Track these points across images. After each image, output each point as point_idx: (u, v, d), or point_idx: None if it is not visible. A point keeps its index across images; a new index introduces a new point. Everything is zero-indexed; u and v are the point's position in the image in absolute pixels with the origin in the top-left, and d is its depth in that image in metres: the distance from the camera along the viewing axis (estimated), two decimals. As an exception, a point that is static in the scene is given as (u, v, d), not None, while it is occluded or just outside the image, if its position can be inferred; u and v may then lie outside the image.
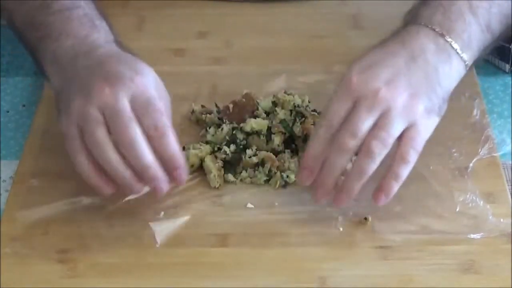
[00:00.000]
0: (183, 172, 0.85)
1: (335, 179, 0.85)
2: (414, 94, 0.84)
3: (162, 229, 0.88)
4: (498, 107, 1.03)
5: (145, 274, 0.84)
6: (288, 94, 0.98)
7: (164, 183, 0.84)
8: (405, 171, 0.84)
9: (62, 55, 0.91)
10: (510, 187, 0.92)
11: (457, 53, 0.87)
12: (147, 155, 0.83)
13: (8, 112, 1.05)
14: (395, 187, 0.84)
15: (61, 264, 0.85)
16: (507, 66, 1.07)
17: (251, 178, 0.93)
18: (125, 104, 0.84)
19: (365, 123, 0.82)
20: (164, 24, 1.15)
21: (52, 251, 0.86)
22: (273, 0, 1.17)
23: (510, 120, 1.01)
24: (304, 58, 1.09)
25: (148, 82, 0.86)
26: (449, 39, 0.87)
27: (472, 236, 0.86)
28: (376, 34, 1.11)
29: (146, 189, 0.87)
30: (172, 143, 0.84)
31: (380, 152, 0.82)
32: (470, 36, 0.88)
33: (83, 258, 0.86)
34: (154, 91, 0.86)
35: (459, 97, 1.00)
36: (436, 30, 0.87)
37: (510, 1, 0.91)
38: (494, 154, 0.95)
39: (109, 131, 0.83)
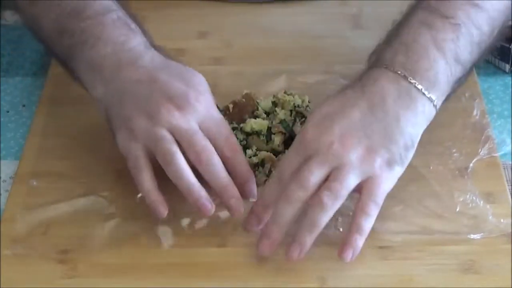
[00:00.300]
0: (254, 186, 0.87)
1: (281, 230, 0.82)
2: (370, 148, 0.82)
3: (165, 230, 0.88)
4: (498, 107, 1.03)
5: (145, 274, 0.84)
6: (288, 94, 0.98)
7: (240, 203, 0.85)
8: (367, 224, 0.82)
9: (102, 63, 0.89)
10: (510, 187, 0.92)
11: (423, 93, 0.84)
12: (225, 176, 0.84)
13: (8, 112, 1.05)
14: (360, 241, 0.82)
15: (61, 264, 0.85)
16: (507, 66, 1.07)
17: None
18: (196, 126, 0.85)
19: (315, 175, 0.81)
20: (164, 24, 1.15)
21: (52, 251, 0.86)
22: (273, 0, 1.17)
23: (510, 120, 1.01)
24: (304, 58, 1.08)
25: (210, 99, 0.87)
26: (412, 81, 0.84)
27: (472, 236, 0.86)
28: (376, 34, 1.11)
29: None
30: (244, 160, 0.87)
31: (332, 203, 0.81)
32: (437, 73, 0.85)
33: (83, 258, 0.86)
34: (217, 110, 0.87)
35: (459, 97, 1.00)
36: (398, 72, 0.84)
37: (479, 29, 0.88)
38: (494, 154, 0.95)
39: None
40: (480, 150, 0.95)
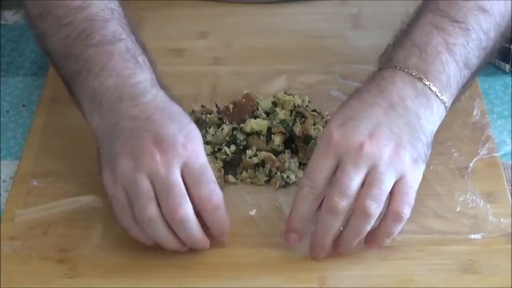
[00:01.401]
0: (227, 238, 0.85)
1: (331, 240, 0.83)
2: (398, 145, 0.81)
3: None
4: (498, 107, 1.03)
5: (145, 274, 0.84)
6: (288, 94, 0.98)
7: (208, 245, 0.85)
8: (398, 228, 0.82)
9: (104, 95, 0.86)
10: (510, 187, 0.92)
11: (437, 95, 0.84)
12: (198, 233, 0.83)
13: (8, 112, 1.05)
14: (387, 241, 0.83)
15: (61, 264, 0.85)
16: (507, 66, 1.07)
17: (251, 178, 0.93)
18: (177, 176, 0.81)
19: (354, 181, 0.80)
20: (164, 24, 1.15)
21: (52, 251, 0.86)
22: (273, 0, 1.17)
23: (510, 120, 1.01)
24: (304, 58, 1.09)
25: (199, 148, 0.83)
26: (427, 83, 0.84)
27: (472, 236, 0.86)
28: (376, 34, 1.12)
29: None
30: (224, 215, 0.83)
31: (375, 212, 0.80)
32: (449, 76, 0.85)
33: (83, 258, 0.86)
34: (204, 157, 0.83)
35: (459, 98, 1.00)
36: (413, 74, 0.84)
37: (487, 35, 0.88)
38: (494, 154, 0.95)
39: (158, 202, 0.81)
40: (480, 150, 0.95)
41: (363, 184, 0.80)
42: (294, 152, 0.94)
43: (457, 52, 0.86)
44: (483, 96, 1.02)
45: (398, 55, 0.86)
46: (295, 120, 0.95)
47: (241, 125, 0.95)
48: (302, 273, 0.84)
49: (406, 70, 0.84)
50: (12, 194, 0.93)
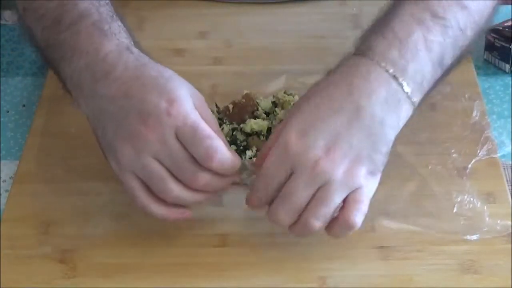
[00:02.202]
0: (237, 176, 0.85)
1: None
2: (355, 160, 0.79)
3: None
4: (498, 107, 1.03)
5: (145, 274, 0.84)
6: (288, 94, 0.98)
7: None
8: (349, 233, 0.81)
9: (79, 79, 0.85)
10: (510, 187, 0.92)
11: (408, 97, 0.81)
12: (222, 183, 0.83)
13: (8, 112, 1.05)
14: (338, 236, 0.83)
15: (61, 264, 0.85)
16: (507, 66, 1.07)
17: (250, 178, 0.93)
18: (173, 144, 0.80)
19: (303, 198, 0.79)
20: (164, 24, 1.15)
21: (52, 251, 0.86)
22: (273, 0, 1.17)
23: (510, 120, 1.01)
24: (304, 58, 1.09)
25: (184, 106, 0.81)
26: (402, 82, 0.81)
27: (468, 237, 0.86)
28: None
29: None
30: (225, 160, 0.81)
31: (319, 228, 0.80)
32: (423, 76, 0.82)
33: (83, 258, 0.86)
34: (193, 113, 0.81)
35: (459, 98, 1.00)
36: (390, 71, 0.81)
37: (464, 33, 0.86)
38: (493, 156, 0.95)
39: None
40: (479, 151, 0.95)
41: (312, 196, 0.79)
42: (294, 152, 0.94)
43: (434, 51, 0.83)
44: (483, 96, 1.02)
45: (378, 44, 0.82)
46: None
47: (241, 125, 0.95)
48: (302, 273, 0.84)
49: (383, 66, 0.81)
50: (12, 194, 0.93)
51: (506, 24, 1.07)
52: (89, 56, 0.84)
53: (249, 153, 0.93)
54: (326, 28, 1.13)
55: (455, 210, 0.89)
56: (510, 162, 0.95)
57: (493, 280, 0.83)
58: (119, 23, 0.88)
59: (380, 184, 0.87)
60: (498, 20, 1.07)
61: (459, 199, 0.90)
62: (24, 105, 1.06)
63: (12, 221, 0.90)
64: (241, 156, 0.92)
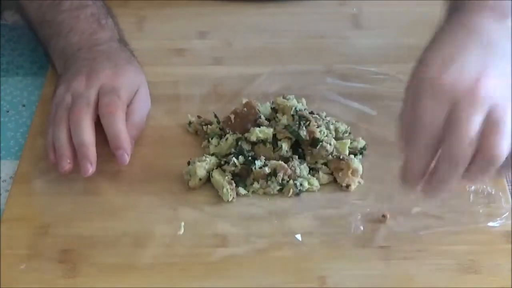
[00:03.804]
0: (125, 153, 0.90)
1: (444, 189, 0.80)
2: (506, 83, 0.78)
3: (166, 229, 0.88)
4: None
5: (145, 274, 0.84)
6: (287, 99, 0.98)
7: (90, 165, 0.89)
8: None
9: (70, 51, 0.99)
10: (510, 187, 0.92)
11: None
12: (86, 134, 0.90)
13: (8, 112, 1.05)
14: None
15: (61, 264, 0.85)
16: (507, 66, 1.07)
17: (263, 189, 0.92)
18: (91, 92, 0.93)
19: (476, 125, 0.76)
20: (164, 24, 1.15)
21: (52, 251, 0.86)
22: (273, 0, 1.17)
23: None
24: (304, 58, 1.09)
25: (122, 80, 0.94)
26: (509, 23, 0.82)
27: (491, 224, 0.87)
28: (376, 34, 1.12)
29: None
30: (118, 122, 0.91)
31: (504, 152, 0.77)
32: None
33: (83, 258, 0.86)
34: (125, 86, 0.94)
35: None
36: (498, 13, 0.81)
37: None
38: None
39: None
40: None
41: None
42: (302, 157, 0.94)
43: None
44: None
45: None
46: (299, 124, 0.93)
47: (246, 134, 0.94)
48: (302, 273, 0.84)
49: (492, 11, 0.81)
50: (12, 194, 0.93)
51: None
52: (83, 36, 1.00)
53: (258, 162, 0.92)
54: (326, 28, 1.14)
55: (471, 199, 0.89)
56: (510, 162, 0.95)
57: (493, 280, 0.83)
58: (112, 19, 1.03)
59: (384, 183, 0.88)
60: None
61: (473, 188, 0.90)
62: (24, 105, 1.06)
63: (12, 221, 0.90)
64: (250, 167, 0.91)
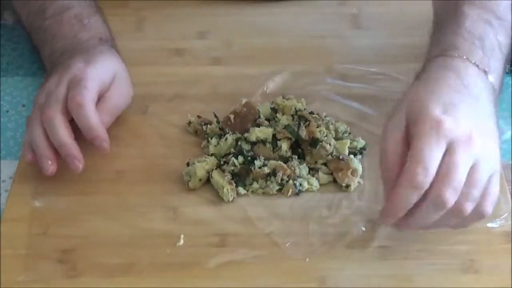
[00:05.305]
0: (103, 142, 0.90)
1: (404, 212, 0.79)
2: (492, 138, 0.81)
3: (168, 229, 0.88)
4: (498, 107, 1.02)
5: (145, 274, 0.84)
6: (287, 99, 0.98)
7: (78, 162, 0.90)
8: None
9: (54, 57, 0.98)
10: (510, 187, 0.92)
11: (494, 89, 0.85)
12: (62, 133, 0.89)
13: (8, 112, 1.05)
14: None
15: (61, 264, 0.85)
16: (507, 66, 1.07)
17: (262, 189, 0.92)
18: (60, 89, 0.92)
19: (464, 173, 0.77)
20: (164, 24, 1.15)
21: (52, 251, 0.86)
22: (273, 0, 1.17)
23: (510, 120, 1.01)
24: (304, 58, 1.08)
25: (91, 70, 0.93)
26: (489, 76, 0.85)
27: (490, 225, 0.87)
28: (376, 34, 1.12)
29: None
30: (87, 113, 0.90)
31: (470, 211, 0.79)
32: (499, 73, 0.87)
33: (83, 258, 0.86)
34: (95, 76, 0.92)
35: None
36: (479, 67, 0.84)
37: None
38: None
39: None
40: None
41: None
42: (301, 157, 0.94)
43: (503, 50, 0.88)
44: (483, 96, 1.02)
45: (462, 45, 0.85)
46: (299, 124, 0.93)
47: (245, 134, 0.94)
48: (302, 273, 0.84)
49: (474, 62, 0.84)
50: (12, 194, 0.93)
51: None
52: (67, 40, 0.99)
53: (257, 162, 0.92)
54: (326, 28, 1.13)
55: None
56: (510, 162, 0.95)
57: (493, 280, 0.83)
58: (98, 17, 1.02)
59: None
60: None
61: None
62: (24, 105, 1.06)
63: (12, 221, 0.90)
64: (249, 167, 0.92)
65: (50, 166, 0.90)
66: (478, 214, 0.80)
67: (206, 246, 0.87)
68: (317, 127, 0.93)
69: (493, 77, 0.85)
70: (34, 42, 1.04)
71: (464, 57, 0.84)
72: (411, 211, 0.78)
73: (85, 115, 0.90)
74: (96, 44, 0.98)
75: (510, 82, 1.06)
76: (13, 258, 0.86)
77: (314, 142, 0.93)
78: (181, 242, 0.87)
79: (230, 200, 0.90)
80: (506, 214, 0.88)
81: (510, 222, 0.88)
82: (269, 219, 0.89)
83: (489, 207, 0.80)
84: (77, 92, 0.90)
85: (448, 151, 0.77)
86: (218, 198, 0.91)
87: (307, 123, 0.93)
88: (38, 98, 0.93)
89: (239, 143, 0.94)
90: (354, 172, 0.91)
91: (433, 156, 0.76)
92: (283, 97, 0.98)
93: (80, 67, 0.93)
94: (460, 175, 0.77)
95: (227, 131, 0.96)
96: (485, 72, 0.84)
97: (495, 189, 0.80)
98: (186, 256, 0.86)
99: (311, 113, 0.96)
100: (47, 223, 0.89)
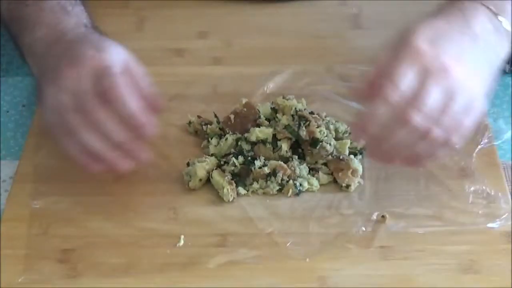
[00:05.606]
0: (149, 126, 0.85)
1: (402, 153, 0.83)
2: (478, 77, 0.82)
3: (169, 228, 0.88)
4: (498, 107, 1.03)
5: (145, 274, 0.84)
6: (287, 99, 0.98)
7: (142, 153, 0.86)
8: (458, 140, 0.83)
9: (35, 46, 0.93)
10: (510, 187, 0.92)
11: (508, 33, 0.86)
12: (117, 130, 0.84)
13: (8, 112, 1.05)
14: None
15: (61, 264, 0.85)
16: (507, 66, 1.07)
17: (263, 189, 0.92)
18: (86, 84, 0.85)
19: (438, 101, 0.80)
20: (164, 24, 1.15)
21: (52, 251, 0.87)
22: (273, 0, 1.17)
23: (510, 120, 1.01)
24: (304, 58, 1.08)
25: (109, 56, 0.87)
26: (501, 19, 0.85)
27: (490, 225, 0.87)
28: (376, 34, 1.12)
29: None
30: (129, 102, 0.84)
31: (448, 138, 0.81)
32: None
33: (83, 258, 0.86)
34: (115, 61, 0.86)
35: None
36: (491, 9, 0.85)
37: None
38: (493, 143, 0.95)
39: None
40: (480, 140, 0.95)
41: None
42: (301, 157, 0.94)
43: None
44: (483, 96, 1.02)
45: None
46: (299, 124, 0.93)
47: (245, 134, 0.94)
48: (302, 273, 0.84)
49: (485, 5, 0.85)
50: (12, 194, 0.93)
51: (506, 24, 1.07)
52: (48, 28, 0.93)
53: (257, 162, 0.92)
54: (326, 28, 1.13)
55: (470, 200, 0.89)
56: (510, 162, 0.95)
57: (493, 280, 0.83)
58: (82, 8, 0.96)
59: (384, 183, 0.88)
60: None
61: (472, 189, 0.90)
62: (24, 105, 1.06)
63: (12, 221, 0.90)
64: (249, 167, 0.92)
65: (127, 163, 0.86)
66: (446, 143, 0.81)
67: (206, 246, 0.87)
68: (317, 127, 0.93)
69: (507, 17, 0.85)
70: (12, 34, 0.97)
71: (478, 1, 0.86)
72: (386, 137, 0.81)
73: (127, 103, 0.85)
74: (85, 33, 0.93)
75: (510, 82, 1.06)
76: (13, 258, 0.86)
77: (314, 142, 0.93)
78: (181, 242, 0.87)
79: (230, 200, 0.90)
80: (506, 214, 0.88)
81: (510, 222, 0.88)
82: (269, 219, 0.89)
83: (457, 138, 0.81)
84: (110, 81, 0.85)
85: (421, 78, 0.80)
86: (218, 198, 0.91)
87: (307, 123, 0.93)
88: (60, 100, 0.86)
89: (239, 143, 0.94)
90: (354, 172, 0.91)
91: (403, 75, 0.80)
92: (283, 97, 0.98)
93: (96, 56, 0.87)
94: (427, 99, 0.79)
95: (227, 131, 0.96)
96: (496, 15, 0.85)
97: (467, 124, 0.81)
98: (186, 256, 0.86)
99: (311, 113, 0.96)
100: (47, 223, 0.89)
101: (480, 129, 0.96)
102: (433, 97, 0.80)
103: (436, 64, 0.80)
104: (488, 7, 0.85)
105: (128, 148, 0.85)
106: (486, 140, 0.96)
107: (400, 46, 0.82)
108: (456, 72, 0.80)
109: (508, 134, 0.98)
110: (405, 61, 0.80)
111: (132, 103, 0.84)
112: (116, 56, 0.87)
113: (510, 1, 0.86)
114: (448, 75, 0.80)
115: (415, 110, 0.79)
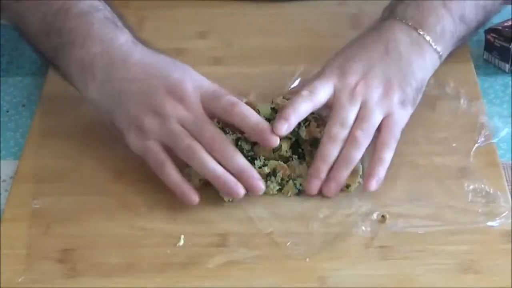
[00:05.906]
0: (274, 139, 0.88)
1: (327, 168, 0.90)
2: (388, 87, 0.91)
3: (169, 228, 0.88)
4: (497, 107, 1.03)
5: (145, 274, 0.84)
6: (287, 99, 0.98)
7: (259, 181, 0.88)
8: (388, 156, 0.89)
9: (93, 63, 0.91)
10: (510, 187, 0.92)
11: (430, 45, 0.94)
12: (239, 156, 0.88)
13: (8, 112, 1.05)
14: (383, 171, 0.89)
15: (61, 264, 0.85)
16: (507, 66, 1.07)
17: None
18: (200, 111, 0.88)
19: (350, 114, 0.90)
20: (164, 24, 1.15)
21: (52, 251, 0.87)
22: (273, 0, 1.17)
23: (510, 120, 1.01)
24: (304, 58, 1.08)
25: (197, 74, 0.91)
26: (421, 32, 0.94)
27: (490, 223, 0.87)
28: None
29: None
30: (246, 111, 0.89)
31: (364, 141, 0.89)
32: (443, 28, 0.95)
33: (83, 258, 0.86)
34: (206, 80, 0.91)
35: (459, 98, 1.00)
36: (409, 24, 0.94)
37: None
38: (494, 157, 0.95)
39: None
40: (477, 140, 0.95)
41: (356, 118, 0.90)
42: (301, 157, 0.94)
43: (453, 8, 0.96)
44: (482, 96, 1.02)
45: (398, 8, 0.97)
46: (299, 124, 0.93)
47: (245, 134, 0.94)
48: (302, 273, 0.84)
49: (403, 21, 0.95)
50: (12, 194, 0.93)
51: (506, 24, 1.07)
52: (105, 44, 0.91)
53: (257, 162, 0.92)
54: (326, 28, 1.14)
55: (470, 199, 0.89)
56: (510, 162, 0.95)
57: (493, 280, 0.83)
58: (124, 22, 0.96)
59: (384, 183, 0.88)
60: (498, 20, 1.07)
61: (471, 188, 0.90)
62: (24, 105, 1.06)
63: (12, 221, 0.90)
64: None
65: (241, 189, 0.87)
66: (382, 145, 0.90)
67: (206, 246, 0.87)
68: (317, 127, 0.93)
69: (429, 31, 0.94)
70: (48, 47, 0.95)
71: (397, 18, 0.95)
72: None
73: (249, 115, 0.89)
74: (149, 50, 0.93)
75: (510, 82, 1.06)
76: (13, 258, 0.86)
77: (314, 142, 0.93)
78: (181, 242, 0.87)
79: (230, 200, 0.90)
80: (506, 212, 0.88)
81: (510, 221, 0.88)
82: (269, 219, 0.89)
83: (388, 138, 0.90)
84: (228, 100, 0.89)
85: (335, 97, 0.91)
86: (218, 198, 0.91)
87: (307, 123, 0.94)
88: (170, 127, 0.87)
89: (239, 143, 0.94)
90: (354, 172, 0.91)
91: (322, 87, 0.91)
92: (283, 97, 0.98)
93: (194, 79, 0.90)
94: (343, 114, 0.90)
95: (227, 131, 0.96)
96: (415, 29, 0.94)
97: (393, 126, 0.91)
98: (186, 256, 0.86)
99: (311, 113, 0.96)
100: (47, 223, 0.89)
101: (477, 128, 0.97)
102: (349, 110, 0.90)
103: (344, 83, 0.91)
104: (406, 23, 0.95)
105: (248, 174, 0.87)
106: (483, 139, 0.96)
107: (339, 89, 0.91)
108: (362, 86, 0.91)
109: (505, 131, 0.98)
110: (323, 76, 0.92)
111: (254, 114, 0.89)
112: (204, 78, 0.91)
113: (433, 15, 0.95)
114: (356, 91, 0.90)
115: (338, 126, 0.89)
